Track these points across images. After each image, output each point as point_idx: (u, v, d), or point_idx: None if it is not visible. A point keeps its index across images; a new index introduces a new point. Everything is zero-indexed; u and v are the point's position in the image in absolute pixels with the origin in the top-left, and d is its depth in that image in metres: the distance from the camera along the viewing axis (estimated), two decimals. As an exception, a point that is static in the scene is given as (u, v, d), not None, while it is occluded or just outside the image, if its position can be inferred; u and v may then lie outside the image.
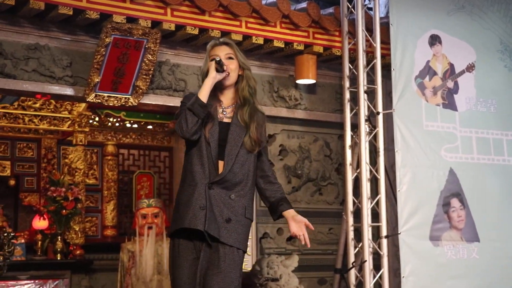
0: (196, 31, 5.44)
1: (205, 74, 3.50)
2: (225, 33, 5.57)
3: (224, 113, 3.53)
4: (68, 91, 5.36)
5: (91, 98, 5.35)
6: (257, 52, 6.01)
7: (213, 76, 3.43)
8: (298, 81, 6.19)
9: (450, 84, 6.03)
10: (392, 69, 5.73)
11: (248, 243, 5.76)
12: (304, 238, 3.59)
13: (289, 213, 3.65)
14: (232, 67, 3.52)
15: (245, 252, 3.47)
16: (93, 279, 8.57)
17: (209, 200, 3.36)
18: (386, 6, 6.34)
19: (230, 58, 3.53)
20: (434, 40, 5.96)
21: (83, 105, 8.31)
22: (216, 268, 3.33)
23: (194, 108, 3.35)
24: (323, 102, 6.50)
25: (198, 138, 3.43)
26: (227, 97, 3.56)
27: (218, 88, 3.53)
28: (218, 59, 3.44)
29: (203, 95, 3.40)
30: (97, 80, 5.25)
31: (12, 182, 8.81)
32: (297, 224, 3.60)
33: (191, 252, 3.41)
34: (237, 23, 5.60)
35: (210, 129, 3.45)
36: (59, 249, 8.04)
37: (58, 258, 8.02)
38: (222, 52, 3.53)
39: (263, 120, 3.61)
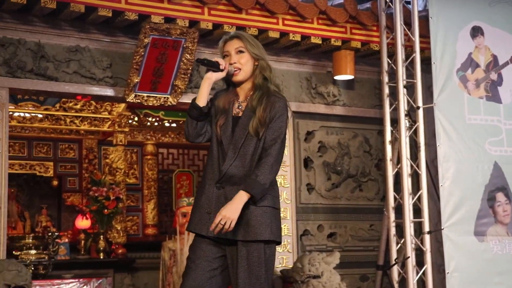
0: (233, 30, 5.44)
1: None
2: (262, 31, 5.57)
3: (240, 107, 3.36)
4: (108, 92, 5.42)
5: (130, 98, 5.40)
6: (295, 49, 6.00)
7: (208, 77, 3.30)
8: (336, 77, 6.16)
9: (494, 76, 5.93)
10: (432, 63, 5.67)
11: (289, 240, 5.86)
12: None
13: (237, 194, 3.21)
14: (243, 61, 3.34)
15: (272, 241, 3.25)
16: (136, 277, 8.66)
17: (217, 202, 3.24)
18: (424, -1, 6.27)
19: (240, 51, 3.35)
20: (476, 31, 5.87)
21: (123, 105, 8.41)
22: (240, 267, 3.22)
23: (189, 111, 3.30)
24: (361, 98, 6.46)
25: (210, 139, 3.35)
26: (244, 91, 3.40)
27: (235, 85, 3.40)
28: (199, 60, 3.33)
29: (199, 97, 3.30)
30: (136, 80, 5.30)
31: (55, 182, 8.96)
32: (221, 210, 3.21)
33: (210, 252, 3.29)
34: (274, 20, 5.60)
35: (221, 126, 3.32)
36: (101, 248, 8.15)
37: (101, 257, 8.13)
38: (232, 47, 3.35)
39: (281, 107, 3.29)
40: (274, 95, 3.32)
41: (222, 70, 3.30)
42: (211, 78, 3.30)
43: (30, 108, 8.26)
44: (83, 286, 6.82)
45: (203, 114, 3.30)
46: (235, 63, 3.33)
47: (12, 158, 8.15)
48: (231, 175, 3.25)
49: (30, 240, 7.60)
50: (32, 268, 6.74)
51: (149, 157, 9.51)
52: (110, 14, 5.02)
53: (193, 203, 3.41)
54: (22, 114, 8.35)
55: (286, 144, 5.89)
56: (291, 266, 5.62)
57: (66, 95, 5.81)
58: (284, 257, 5.88)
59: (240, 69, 3.34)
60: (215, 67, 3.29)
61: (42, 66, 5.15)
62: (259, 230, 3.21)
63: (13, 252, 7.01)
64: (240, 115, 3.33)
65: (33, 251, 7.29)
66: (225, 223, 3.13)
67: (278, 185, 5.78)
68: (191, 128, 3.31)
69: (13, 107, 7.89)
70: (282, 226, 5.90)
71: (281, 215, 5.77)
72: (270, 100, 3.29)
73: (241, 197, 3.17)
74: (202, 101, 3.29)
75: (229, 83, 3.42)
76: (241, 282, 3.21)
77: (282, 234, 5.81)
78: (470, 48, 5.83)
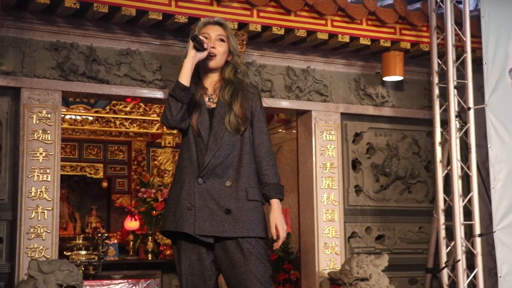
0: (282, 32, 5.46)
1: (185, 56, 3.15)
2: (311, 33, 5.57)
3: (211, 100, 3.19)
4: (158, 94, 5.49)
5: (180, 100, 5.45)
6: (343, 50, 5.98)
7: (192, 56, 3.07)
8: (385, 78, 6.12)
9: (547, 76, 5.81)
10: (484, 63, 5.59)
11: (337, 243, 5.84)
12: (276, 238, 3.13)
13: (272, 203, 3.17)
14: (221, 50, 3.18)
15: (263, 237, 3.11)
16: (183, 278, 8.71)
17: (200, 197, 3.05)
18: (475, -2, 6.18)
19: (221, 40, 3.19)
20: (529, 31, 5.77)
21: (171, 108, 8.48)
22: (242, 267, 3.03)
23: (175, 93, 3.04)
24: (410, 99, 6.40)
25: (187, 129, 3.15)
26: (211, 82, 3.22)
27: (202, 72, 3.22)
28: (193, 35, 3.06)
29: (184, 78, 3.06)
30: (185, 82, 5.34)
31: (104, 184, 9.09)
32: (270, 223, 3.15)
33: (193, 252, 3.11)
34: (323, 21, 5.58)
35: (198, 118, 3.14)
36: (150, 249, 8.23)
37: (149, 258, 8.21)
38: (214, 32, 3.19)
39: (254, 96, 3.20)
40: (247, 89, 3.22)
41: (205, 50, 3.11)
42: (195, 57, 3.09)
43: (81, 111, 8.41)
44: (132, 286, 6.91)
45: (189, 96, 3.10)
46: (213, 48, 3.16)
47: (64, 160, 8.29)
48: (214, 167, 3.09)
49: (81, 241, 7.72)
50: (82, 269, 6.85)
51: (196, 159, 9.57)
52: (161, 18, 5.08)
53: (168, 199, 3.16)
54: (73, 117, 8.51)
55: (334, 146, 5.97)
56: (339, 268, 5.60)
57: (117, 97, 5.90)
58: (331, 259, 5.86)
59: (215, 55, 3.17)
60: (200, 45, 3.08)
61: (94, 69, 5.24)
62: (250, 226, 3.08)
63: (64, 252, 7.13)
64: (213, 106, 3.19)
65: (83, 252, 7.40)
66: (282, 236, 3.11)
67: (326, 187, 5.86)
68: (176, 110, 3.06)
69: (65, 110, 8.04)
70: (330, 228, 5.90)
71: (329, 216, 5.87)
72: (246, 95, 3.18)
73: (279, 205, 3.14)
74: (187, 82, 3.08)
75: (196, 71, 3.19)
76: (254, 275, 3.02)
77: (331, 236, 5.87)
78: (523, 47, 5.72)
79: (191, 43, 3.08)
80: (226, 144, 3.12)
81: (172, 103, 3.06)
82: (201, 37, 3.10)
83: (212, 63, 3.18)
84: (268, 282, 3.07)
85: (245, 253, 3.05)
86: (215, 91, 3.23)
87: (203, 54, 3.11)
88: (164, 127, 8.78)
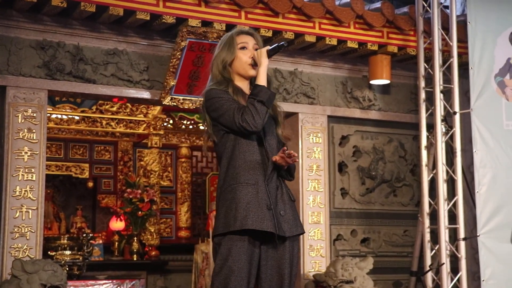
0: (269, 33, 5.46)
1: (228, 63, 3.23)
2: (298, 35, 5.58)
3: None
4: (145, 94, 5.47)
5: (167, 101, 5.45)
6: (331, 53, 6.00)
7: (267, 64, 3.19)
8: (372, 82, 6.14)
9: (533, 82, 5.86)
10: (470, 68, 5.63)
11: (322, 245, 5.85)
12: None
13: None
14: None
15: (303, 233, 3.31)
16: (168, 279, 8.72)
17: (270, 198, 3.16)
18: (462, 4, 6.22)
19: (257, 50, 3.25)
20: (515, 36, 5.81)
21: (158, 108, 8.48)
22: (290, 264, 3.18)
23: (264, 98, 3.11)
24: (397, 103, 6.43)
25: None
26: (246, 89, 3.29)
27: (239, 78, 3.28)
28: (286, 44, 3.22)
29: (265, 84, 3.16)
30: (172, 83, 5.35)
31: (90, 184, 9.05)
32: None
33: (247, 251, 3.13)
34: (311, 24, 5.60)
35: None
36: (135, 250, 8.22)
37: (134, 259, 8.20)
38: (251, 42, 3.27)
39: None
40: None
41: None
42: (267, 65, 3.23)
43: (67, 110, 8.38)
44: (117, 287, 6.89)
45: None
46: (252, 57, 3.25)
47: (49, 160, 8.25)
48: (271, 171, 3.20)
49: (65, 241, 7.68)
50: (67, 269, 6.83)
51: (183, 159, 9.57)
52: (148, 18, 5.07)
53: (242, 199, 3.13)
54: (59, 116, 8.47)
55: (320, 149, 5.98)
56: (324, 270, 5.61)
57: (103, 97, 5.88)
58: (317, 261, 5.87)
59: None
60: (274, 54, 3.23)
61: (81, 69, 5.22)
62: (297, 223, 3.24)
63: (48, 252, 7.10)
64: None
65: (68, 252, 7.37)
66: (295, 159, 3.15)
67: (312, 189, 5.88)
68: (263, 115, 3.12)
69: (51, 109, 8.01)
70: (316, 230, 5.91)
71: (315, 219, 5.88)
72: (279, 110, 3.36)
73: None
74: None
75: (227, 79, 3.26)
76: (287, 278, 3.18)
77: (316, 238, 5.88)
78: (509, 53, 5.76)
79: (264, 53, 3.17)
80: (276, 151, 3.24)
81: (260, 107, 3.11)
82: (286, 43, 3.22)
83: (255, 72, 3.25)
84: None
85: (292, 254, 3.21)
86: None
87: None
88: (151, 128, 8.77)
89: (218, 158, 3.31)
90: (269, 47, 3.20)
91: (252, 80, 3.29)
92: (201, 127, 9.45)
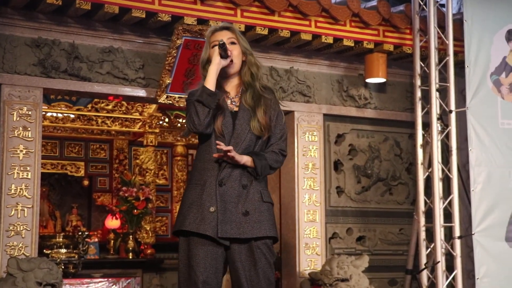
0: (265, 32, 5.46)
1: (205, 62, 3.26)
2: (294, 33, 5.57)
3: (234, 103, 3.28)
4: (140, 92, 5.46)
5: (162, 99, 5.44)
6: (327, 51, 6.00)
7: (217, 62, 3.16)
8: (368, 80, 6.14)
9: (528, 80, 5.87)
10: (466, 66, 5.64)
11: (318, 243, 5.86)
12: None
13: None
14: (235, 52, 3.23)
15: (275, 237, 3.21)
16: (164, 278, 8.70)
17: (221, 199, 3.11)
18: (458, 2, 6.22)
19: (233, 43, 3.25)
20: (511, 35, 5.81)
21: (154, 106, 8.46)
22: (258, 265, 3.14)
23: (203, 98, 3.10)
24: (393, 101, 6.43)
25: (211, 132, 3.20)
26: (232, 86, 3.30)
27: (222, 77, 3.26)
28: (221, 42, 3.14)
29: (210, 83, 3.14)
30: (168, 81, 5.34)
31: (85, 182, 9.02)
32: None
33: (204, 247, 3.13)
34: (307, 22, 5.60)
35: (222, 121, 3.20)
36: (130, 248, 8.20)
37: (130, 257, 8.18)
38: (224, 37, 3.23)
39: (275, 104, 3.31)
40: (266, 93, 3.29)
41: (228, 57, 3.19)
42: (220, 64, 3.18)
43: (63, 108, 8.35)
44: (112, 285, 6.88)
45: (217, 101, 3.16)
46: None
47: (44, 158, 8.22)
48: (232, 170, 3.16)
49: (61, 239, 7.67)
50: (62, 267, 6.81)
51: (179, 158, 9.54)
52: (144, 16, 5.06)
53: (185, 200, 3.19)
54: (54, 114, 8.43)
55: (316, 147, 5.99)
56: (319, 268, 5.62)
57: (99, 95, 5.87)
58: (312, 259, 5.87)
59: (232, 61, 3.24)
60: (225, 53, 3.17)
61: (76, 67, 5.21)
62: (266, 226, 3.17)
63: (44, 250, 7.08)
64: (236, 110, 3.26)
65: (63, 250, 7.36)
66: (231, 154, 3.08)
67: (308, 188, 5.87)
68: (203, 116, 3.11)
69: (46, 107, 7.98)
70: (311, 228, 5.91)
71: (310, 217, 5.88)
72: (266, 101, 3.26)
73: (248, 158, 3.16)
74: (213, 87, 3.16)
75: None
76: (262, 280, 3.14)
77: (312, 236, 5.88)
78: (505, 51, 5.77)
79: (216, 50, 3.17)
80: (245, 147, 3.19)
81: (199, 108, 3.11)
82: (221, 40, 3.16)
83: (232, 69, 3.26)
84: (273, 283, 3.22)
85: (258, 255, 3.15)
86: (236, 94, 3.31)
87: (227, 62, 3.20)
88: (147, 126, 8.75)
89: None
90: (219, 44, 3.17)
91: (240, 76, 3.27)
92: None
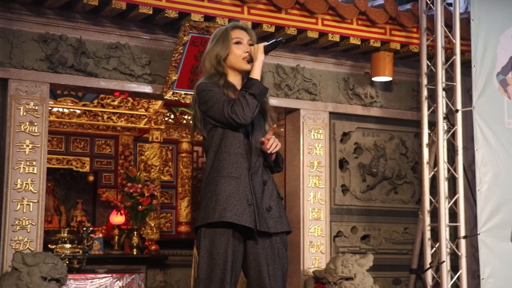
0: (272, 29, 5.45)
1: (222, 58, 3.23)
2: (301, 31, 5.57)
3: None
4: (147, 89, 5.47)
5: (168, 95, 5.44)
6: (333, 49, 5.99)
7: (262, 60, 3.19)
8: (374, 79, 6.13)
9: (535, 80, 5.86)
10: (472, 66, 5.62)
11: (322, 241, 5.85)
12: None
13: None
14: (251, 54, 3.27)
15: (290, 232, 3.32)
16: (168, 274, 8.72)
17: (254, 193, 3.15)
18: (465, 1, 6.21)
19: (251, 45, 3.26)
20: (518, 35, 5.81)
21: (159, 103, 8.47)
22: (277, 260, 3.17)
23: (256, 92, 3.11)
24: (399, 100, 6.42)
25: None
26: (238, 84, 3.29)
27: (232, 73, 3.28)
28: (284, 39, 3.25)
29: (259, 78, 3.18)
30: (174, 78, 5.34)
31: (91, 178, 9.05)
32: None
33: (230, 243, 3.12)
34: (313, 20, 5.59)
35: None
36: (135, 244, 8.22)
37: (134, 253, 8.20)
38: (245, 37, 3.27)
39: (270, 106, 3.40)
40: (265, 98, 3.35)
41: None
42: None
43: (69, 104, 8.37)
44: (116, 281, 6.90)
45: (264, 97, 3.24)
46: (247, 52, 3.25)
47: (50, 153, 8.25)
48: (258, 166, 3.22)
49: (65, 234, 7.70)
50: (67, 262, 6.83)
51: (184, 154, 9.56)
52: (151, 12, 5.06)
53: (221, 192, 3.13)
54: (60, 110, 8.46)
55: (322, 145, 5.99)
56: (323, 267, 5.62)
57: (105, 91, 5.88)
58: (317, 258, 5.87)
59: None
60: (269, 52, 3.23)
61: (83, 62, 5.21)
62: (284, 221, 3.24)
63: (49, 245, 7.11)
64: None
65: (68, 245, 7.39)
66: (274, 142, 3.16)
67: (313, 186, 5.87)
68: (254, 109, 3.12)
69: (52, 103, 8.00)
70: (316, 226, 5.91)
71: (315, 215, 5.88)
72: (269, 105, 3.35)
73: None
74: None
75: (220, 73, 3.26)
76: (280, 275, 3.18)
77: (316, 235, 5.88)
78: (511, 51, 5.75)
79: (261, 48, 3.17)
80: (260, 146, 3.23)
81: (251, 100, 3.11)
82: (284, 39, 3.22)
83: (250, 66, 3.24)
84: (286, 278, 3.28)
85: (278, 250, 3.19)
86: None
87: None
88: (152, 122, 8.76)
89: (205, 152, 3.30)
90: (266, 43, 3.20)
91: (244, 75, 3.28)
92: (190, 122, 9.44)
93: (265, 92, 3.18)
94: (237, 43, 3.24)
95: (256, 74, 3.17)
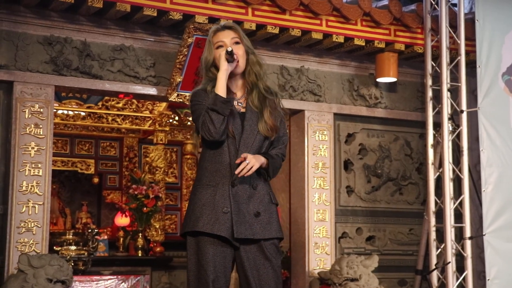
0: (276, 30, 5.46)
1: (210, 64, 3.23)
2: (305, 32, 5.57)
3: (240, 104, 3.26)
4: (151, 91, 5.47)
5: (173, 97, 5.45)
6: (337, 50, 5.98)
7: (226, 69, 3.13)
8: (379, 80, 6.12)
9: (540, 81, 5.85)
10: (477, 66, 5.61)
11: (327, 243, 5.85)
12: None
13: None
14: (240, 52, 3.20)
15: (282, 239, 3.26)
16: (172, 276, 8.72)
17: (234, 200, 3.12)
18: (470, 1, 6.20)
19: (237, 43, 3.21)
20: (523, 35, 5.80)
21: (164, 104, 8.48)
22: (268, 264, 3.15)
23: (217, 106, 3.08)
24: (404, 101, 6.41)
25: (225, 139, 3.18)
26: (237, 87, 3.27)
27: (228, 78, 3.21)
28: (230, 50, 3.11)
29: (222, 90, 3.11)
30: (179, 80, 5.34)
31: (95, 180, 9.06)
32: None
33: (213, 247, 3.13)
34: (318, 21, 5.59)
35: (232, 123, 3.18)
36: (140, 246, 8.23)
37: (139, 255, 8.20)
38: (227, 38, 3.21)
39: (277, 103, 3.31)
40: (269, 95, 3.28)
41: (234, 61, 3.16)
42: (228, 69, 3.15)
43: (74, 106, 8.39)
44: (121, 283, 6.90)
45: (230, 107, 3.14)
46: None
47: (55, 155, 8.23)
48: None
49: (71, 236, 7.70)
50: (72, 264, 6.83)
51: (188, 156, 9.56)
52: (155, 14, 5.07)
53: (196, 200, 3.16)
54: (65, 112, 8.48)
55: (326, 146, 5.98)
56: (329, 268, 5.61)
57: (110, 93, 5.88)
58: (322, 259, 5.87)
59: (238, 61, 3.21)
60: (232, 57, 3.14)
61: (87, 65, 5.22)
62: (275, 227, 3.20)
63: (54, 247, 7.11)
64: (243, 111, 3.25)
65: (73, 247, 7.37)
66: (247, 166, 3.07)
67: (318, 187, 5.87)
68: (219, 124, 3.09)
69: (57, 105, 8.02)
70: (321, 228, 5.91)
71: (320, 216, 5.87)
72: (271, 102, 3.26)
73: (264, 159, 3.17)
74: (225, 94, 3.14)
75: (211, 78, 3.23)
76: (272, 279, 3.16)
77: (321, 236, 5.88)
78: (517, 52, 5.75)
79: (222, 56, 3.14)
80: (256, 148, 3.20)
81: (214, 116, 3.09)
82: (229, 49, 3.14)
83: (237, 70, 3.22)
84: (281, 282, 3.24)
85: (267, 255, 3.17)
86: (242, 95, 3.29)
87: (233, 66, 3.17)
88: (157, 124, 8.77)
89: None
90: (225, 51, 3.14)
91: (244, 75, 3.24)
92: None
93: (228, 104, 3.10)
94: (219, 47, 3.22)
95: (217, 86, 3.13)
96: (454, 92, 5.67)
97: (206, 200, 3.14)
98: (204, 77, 3.28)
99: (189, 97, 3.26)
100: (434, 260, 5.64)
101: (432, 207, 5.66)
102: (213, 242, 3.13)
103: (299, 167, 5.99)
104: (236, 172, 3.09)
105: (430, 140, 5.73)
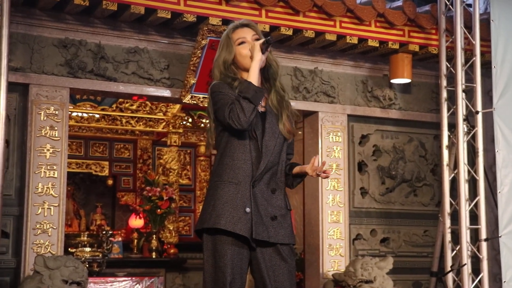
0: (290, 32, 5.45)
1: (229, 62, 3.19)
2: (319, 33, 5.56)
3: (260, 102, 3.19)
4: (165, 93, 5.49)
5: (187, 99, 5.45)
6: (351, 51, 5.97)
7: (260, 59, 3.10)
8: (393, 81, 6.11)
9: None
10: (492, 67, 5.58)
11: (341, 244, 5.84)
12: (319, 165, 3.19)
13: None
14: None
15: (294, 245, 3.25)
16: (186, 277, 8.73)
17: (254, 200, 3.09)
18: (485, 2, 6.16)
19: (257, 39, 3.18)
20: (539, 35, 5.75)
21: (177, 106, 8.50)
22: (284, 266, 3.13)
23: (249, 95, 3.03)
24: (418, 102, 6.39)
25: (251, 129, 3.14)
26: (257, 81, 3.17)
27: (244, 74, 3.19)
28: (271, 38, 3.13)
29: (255, 80, 3.09)
30: (193, 81, 5.35)
31: (110, 182, 9.09)
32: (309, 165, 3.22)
33: (231, 247, 3.09)
34: (331, 23, 5.58)
35: (253, 121, 3.12)
36: (154, 248, 8.24)
37: (153, 256, 8.22)
38: (248, 34, 3.20)
39: (294, 113, 3.31)
40: (286, 95, 3.28)
41: (266, 53, 3.14)
42: (262, 60, 3.13)
43: (88, 108, 8.42)
44: (136, 284, 6.93)
45: (262, 98, 3.13)
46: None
47: (69, 157, 8.26)
48: (264, 173, 3.14)
49: (85, 238, 7.74)
50: (87, 266, 6.86)
51: (202, 158, 9.58)
52: (169, 16, 5.09)
53: (218, 197, 3.10)
54: (80, 114, 8.52)
55: (340, 148, 5.97)
56: (343, 270, 5.59)
57: (124, 95, 5.91)
58: (336, 261, 5.85)
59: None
60: (267, 48, 3.12)
61: (102, 67, 5.25)
62: (289, 232, 3.19)
63: (69, 249, 7.14)
64: (263, 110, 3.22)
65: (87, 249, 7.42)
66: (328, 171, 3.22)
67: (332, 188, 5.86)
68: (249, 113, 3.04)
69: (72, 107, 8.05)
70: (335, 229, 5.89)
71: (334, 218, 5.86)
72: (287, 103, 3.26)
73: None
74: (259, 84, 3.13)
75: (231, 77, 3.19)
76: (287, 280, 3.15)
77: (335, 238, 5.86)
78: (532, 52, 5.71)
79: (257, 46, 3.10)
80: (276, 152, 3.18)
81: (245, 104, 3.04)
82: (270, 38, 3.12)
83: (262, 64, 3.19)
84: (295, 284, 3.23)
85: (284, 257, 3.16)
86: None
87: (265, 57, 3.14)
88: (170, 126, 8.79)
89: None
90: (261, 41, 3.13)
91: (263, 71, 3.21)
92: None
93: (261, 94, 3.09)
94: (241, 43, 3.20)
95: (251, 76, 3.11)
96: (469, 93, 5.64)
97: (228, 197, 3.10)
98: (217, 78, 3.23)
99: (210, 90, 3.18)
100: (449, 262, 5.61)
101: (447, 208, 5.63)
102: (232, 242, 3.09)
103: (313, 168, 5.97)
104: (316, 170, 3.17)
105: (445, 141, 5.71)
